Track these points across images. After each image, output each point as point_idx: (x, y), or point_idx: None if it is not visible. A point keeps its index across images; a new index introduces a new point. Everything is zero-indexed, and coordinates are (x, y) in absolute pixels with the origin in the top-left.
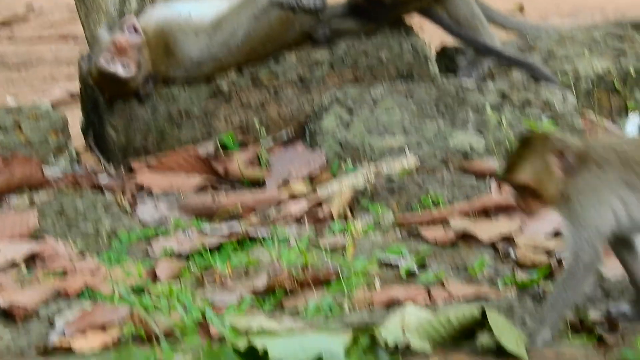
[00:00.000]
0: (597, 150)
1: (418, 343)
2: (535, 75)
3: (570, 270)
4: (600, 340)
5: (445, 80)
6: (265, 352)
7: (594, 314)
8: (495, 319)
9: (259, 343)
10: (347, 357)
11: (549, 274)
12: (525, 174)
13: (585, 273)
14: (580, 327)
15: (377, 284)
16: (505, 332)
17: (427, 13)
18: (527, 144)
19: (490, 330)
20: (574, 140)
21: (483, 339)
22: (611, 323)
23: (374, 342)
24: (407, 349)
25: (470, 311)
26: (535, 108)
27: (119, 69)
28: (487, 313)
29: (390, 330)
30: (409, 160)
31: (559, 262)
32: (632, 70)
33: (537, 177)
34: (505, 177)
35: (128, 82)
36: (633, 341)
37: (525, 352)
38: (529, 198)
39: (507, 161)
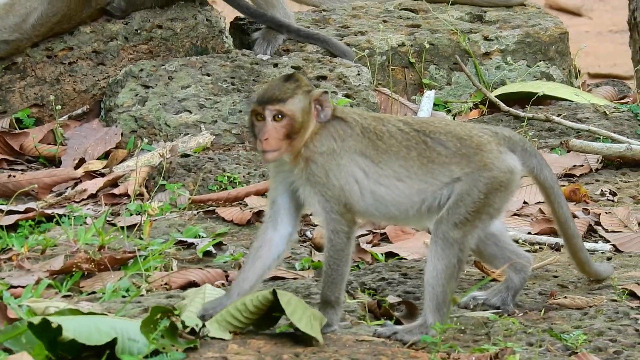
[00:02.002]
0: (340, 115)
1: (216, 330)
2: (330, 50)
3: (331, 244)
4: (398, 324)
5: (240, 55)
6: (60, 328)
7: (392, 298)
8: (288, 301)
9: (54, 320)
10: (146, 332)
11: None
12: (295, 106)
13: (347, 242)
14: (379, 311)
15: (174, 265)
16: (298, 313)
17: None
18: (295, 81)
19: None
20: None
21: (283, 322)
22: (409, 307)
23: (173, 326)
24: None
25: (263, 294)
26: (331, 83)
27: None
28: (279, 295)
29: (190, 314)
30: (205, 137)
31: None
32: (426, 45)
33: (302, 114)
34: (271, 104)
35: None
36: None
37: (320, 333)
38: (282, 136)
39: (270, 91)
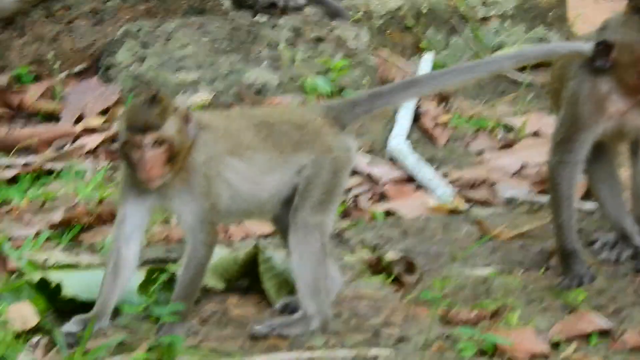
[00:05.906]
0: (208, 121)
1: (212, 280)
2: (329, 12)
3: (195, 256)
4: (397, 280)
5: (238, 16)
6: (59, 286)
7: (391, 254)
8: (267, 258)
9: (53, 276)
10: (143, 292)
11: None
12: (171, 130)
13: (210, 255)
14: (377, 267)
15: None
16: (273, 273)
17: None
18: (162, 102)
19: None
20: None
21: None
22: (408, 263)
23: (172, 278)
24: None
25: (248, 251)
26: (329, 45)
27: None
28: (261, 251)
29: None
30: (203, 96)
31: None
32: (424, 8)
33: (178, 135)
34: (149, 132)
35: None
36: (430, 282)
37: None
38: (164, 162)
39: (142, 118)
